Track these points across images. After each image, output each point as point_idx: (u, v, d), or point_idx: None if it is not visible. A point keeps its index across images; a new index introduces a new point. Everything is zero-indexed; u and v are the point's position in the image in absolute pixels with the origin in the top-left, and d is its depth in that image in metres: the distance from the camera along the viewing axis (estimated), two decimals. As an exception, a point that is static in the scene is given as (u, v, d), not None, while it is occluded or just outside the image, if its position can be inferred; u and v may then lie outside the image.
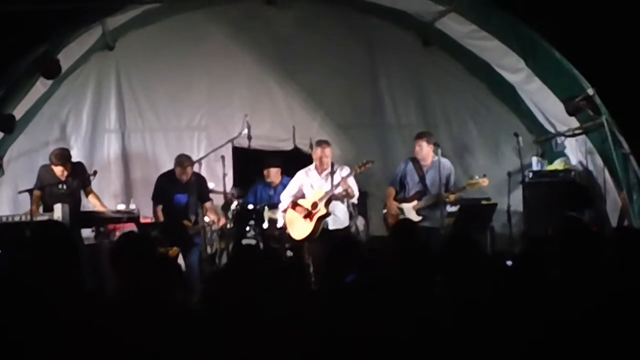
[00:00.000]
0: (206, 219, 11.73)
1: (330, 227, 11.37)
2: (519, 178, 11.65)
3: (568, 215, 9.24)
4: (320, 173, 11.52)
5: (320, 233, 11.33)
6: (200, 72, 13.30)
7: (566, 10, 9.94)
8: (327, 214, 11.26)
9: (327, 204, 11.22)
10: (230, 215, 11.76)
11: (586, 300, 4.89)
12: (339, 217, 11.48)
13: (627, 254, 5.32)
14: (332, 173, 11.43)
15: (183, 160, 11.59)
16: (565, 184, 11.65)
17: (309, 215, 11.31)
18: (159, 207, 11.59)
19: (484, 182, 11.13)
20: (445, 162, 11.41)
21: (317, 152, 11.61)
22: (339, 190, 11.24)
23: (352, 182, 11.31)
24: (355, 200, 11.60)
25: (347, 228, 11.60)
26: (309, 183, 11.59)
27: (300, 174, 11.74)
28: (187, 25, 13.16)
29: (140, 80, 13.17)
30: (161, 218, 11.56)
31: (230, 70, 13.33)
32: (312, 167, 11.66)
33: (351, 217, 11.83)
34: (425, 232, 10.61)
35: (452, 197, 11.16)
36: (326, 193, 11.23)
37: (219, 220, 11.67)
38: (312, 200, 11.33)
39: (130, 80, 13.13)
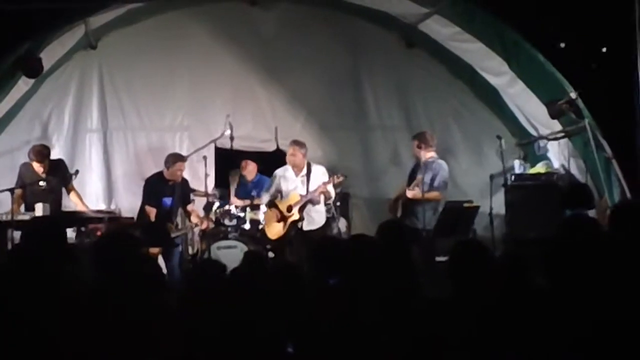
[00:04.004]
0: (189, 221, 11.82)
1: (305, 228, 11.53)
2: (502, 181, 11.64)
3: (573, 214, 9.13)
4: (296, 174, 11.61)
5: (296, 234, 11.54)
6: (183, 72, 13.24)
7: (550, 14, 9.96)
8: (301, 219, 11.39)
9: (301, 209, 11.36)
10: (212, 216, 11.79)
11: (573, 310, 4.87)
12: (314, 218, 11.64)
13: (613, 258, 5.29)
14: (308, 174, 11.53)
15: (182, 156, 11.72)
16: (550, 185, 11.66)
17: (282, 219, 11.44)
18: (153, 211, 11.53)
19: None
20: (436, 163, 11.45)
21: (288, 152, 11.74)
22: (314, 194, 11.34)
23: (329, 185, 11.45)
24: (331, 200, 11.69)
25: (322, 228, 11.71)
26: (285, 183, 11.71)
27: (278, 173, 11.85)
28: (170, 25, 13.10)
29: (123, 79, 13.10)
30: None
31: (213, 71, 13.29)
32: (289, 166, 11.74)
33: (333, 218, 11.93)
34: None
35: (409, 193, 11.23)
36: (301, 197, 11.39)
37: (202, 222, 11.69)
38: (287, 203, 11.48)
39: (113, 80, 13.06)
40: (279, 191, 11.74)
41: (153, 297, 5.28)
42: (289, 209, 11.45)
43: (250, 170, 12.91)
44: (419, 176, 11.18)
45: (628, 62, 9.80)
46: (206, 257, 11.39)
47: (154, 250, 10.96)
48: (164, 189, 11.58)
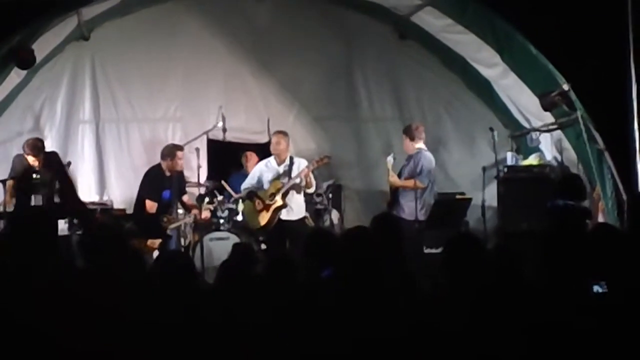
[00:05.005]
0: (186, 212, 11.86)
1: (283, 217, 11.50)
2: (494, 173, 11.67)
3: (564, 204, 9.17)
4: (278, 164, 11.61)
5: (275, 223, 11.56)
6: (176, 63, 13.21)
7: (542, 5, 9.96)
8: (284, 206, 11.41)
9: (284, 196, 11.36)
10: (210, 206, 11.84)
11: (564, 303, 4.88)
12: (293, 209, 11.62)
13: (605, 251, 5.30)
14: (291, 165, 11.52)
15: (179, 145, 11.87)
16: (543, 177, 11.66)
17: (265, 207, 11.43)
18: (154, 205, 11.56)
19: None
20: (420, 153, 11.47)
21: (273, 140, 11.76)
22: (296, 181, 11.36)
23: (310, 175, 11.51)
24: (312, 190, 11.69)
25: (302, 220, 11.77)
26: (267, 174, 11.70)
27: (260, 165, 11.88)
28: (163, 16, 13.07)
29: (115, 71, 13.06)
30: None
31: (205, 62, 13.28)
32: (272, 158, 11.76)
33: (325, 209, 11.96)
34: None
35: (389, 179, 11.39)
36: (283, 185, 11.37)
37: (200, 213, 11.70)
38: (269, 191, 11.47)
39: (105, 71, 13.02)
40: (261, 184, 11.76)
41: (138, 288, 5.28)
42: (272, 196, 11.46)
43: (253, 162, 12.88)
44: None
45: (620, 54, 9.81)
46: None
47: (154, 243, 11.01)
48: (163, 182, 11.61)
